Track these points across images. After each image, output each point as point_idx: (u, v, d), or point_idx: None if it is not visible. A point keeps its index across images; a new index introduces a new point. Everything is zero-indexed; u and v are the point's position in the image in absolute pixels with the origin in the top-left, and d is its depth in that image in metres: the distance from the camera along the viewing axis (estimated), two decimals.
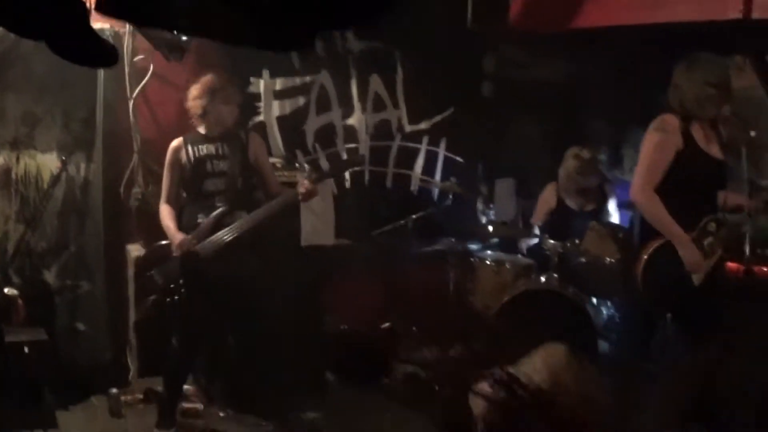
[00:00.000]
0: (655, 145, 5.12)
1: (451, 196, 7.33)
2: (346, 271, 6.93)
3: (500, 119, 7.96)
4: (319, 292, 6.62)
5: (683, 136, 5.09)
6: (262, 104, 6.87)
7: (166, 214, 5.61)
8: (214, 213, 5.51)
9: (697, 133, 5.14)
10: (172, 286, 5.45)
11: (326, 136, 7.34)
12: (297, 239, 6.49)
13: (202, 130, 5.67)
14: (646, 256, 5.05)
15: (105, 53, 2.19)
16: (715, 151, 5.19)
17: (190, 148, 5.63)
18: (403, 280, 6.98)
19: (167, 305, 5.48)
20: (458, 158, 7.85)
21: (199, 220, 5.55)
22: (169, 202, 5.65)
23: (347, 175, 7.33)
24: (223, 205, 5.56)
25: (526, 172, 8.09)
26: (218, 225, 5.53)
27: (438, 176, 7.80)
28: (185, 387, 5.88)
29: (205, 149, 5.63)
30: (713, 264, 5.11)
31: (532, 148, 8.10)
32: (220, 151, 5.65)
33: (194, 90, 5.59)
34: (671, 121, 5.12)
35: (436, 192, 7.76)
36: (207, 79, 5.58)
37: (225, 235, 5.47)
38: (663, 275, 4.97)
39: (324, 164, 7.21)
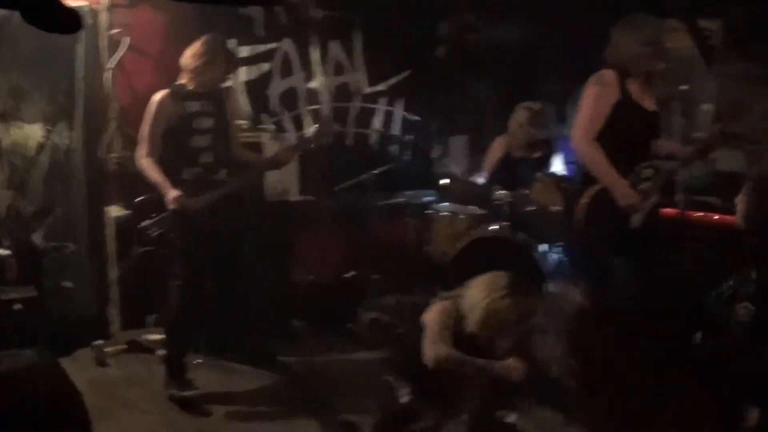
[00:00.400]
0: (594, 97, 5.30)
1: (408, 152, 7.58)
2: (311, 224, 7.18)
3: (454, 80, 8.12)
4: (286, 245, 6.85)
5: (620, 89, 5.28)
6: None
7: (152, 168, 5.55)
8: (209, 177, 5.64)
9: (633, 86, 5.32)
10: (166, 238, 5.55)
11: (290, 99, 7.55)
12: (261, 194, 6.69)
13: (189, 85, 5.63)
14: (586, 200, 5.21)
15: (71, 19, 2.26)
16: (648, 103, 5.40)
17: (177, 102, 5.58)
18: (365, 232, 7.19)
19: (162, 257, 5.65)
20: (415, 117, 8.00)
21: (185, 176, 5.56)
22: (151, 155, 5.57)
23: (311, 132, 7.12)
24: (209, 160, 5.60)
25: (479, 130, 8.28)
26: (205, 181, 5.59)
27: (395, 131, 8.07)
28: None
29: (191, 106, 5.60)
30: (650, 207, 5.34)
31: (484, 106, 8.30)
32: (206, 108, 5.63)
33: (194, 47, 5.59)
34: (609, 75, 5.30)
35: (394, 149, 7.96)
36: (207, 38, 5.61)
37: (214, 195, 5.54)
38: (602, 217, 5.10)
39: (288, 126, 7.47)
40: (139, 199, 5.70)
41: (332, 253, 7.23)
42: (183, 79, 5.61)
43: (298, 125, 7.55)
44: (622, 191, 5.23)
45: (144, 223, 5.59)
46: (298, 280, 6.97)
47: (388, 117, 7.91)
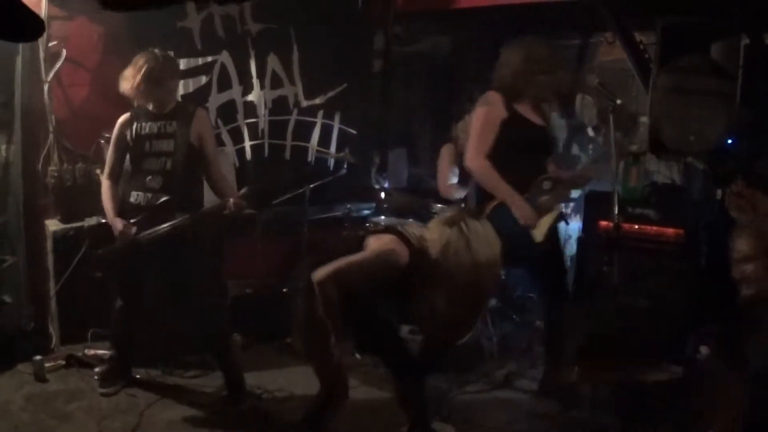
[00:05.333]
0: (481, 117, 5.45)
1: (345, 166, 7.59)
2: (248, 238, 7.11)
3: (390, 93, 8.18)
4: (223, 259, 6.68)
5: (506, 107, 5.44)
6: None
7: (105, 193, 5.60)
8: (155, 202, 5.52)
9: (520, 105, 5.48)
10: (116, 264, 5.59)
11: (228, 112, 7.43)
12: (200, 206, 6.29)
13: (149, 107, 5.56)
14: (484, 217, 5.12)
15: (33, 24, 2.24)
16: (537, 119, 5.54)
17: (135, 124, 5.53)
18: (302, 246, 7.07)
19: (111, 277, 5.70)
20: (352, 130, 8.05)
21: (132, 199, 5.54)
22: (110, 177, 5.60)
23: (247, 147, 7.49)
24: (156, 185, 5.48)
25: (415, 142, 8.35)
26: (154, 209, 5.51)
27: (333, 147, 8.00)
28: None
29: (148, 127, 5.51)
30: (552, 220, 5.44)
31: (419, 118, 8.35)
32: (164, 130, 5.51)
33: (127, 72, 5.49)
34: (493, 95, 5.49)
35: (331, 162, 7.97)
36: (139, 60, 5.46)
37: (159, 231, 5.44)
38: (501, 232, 4.79)
39: (226, 137, 7.36)
40: (102, 222, 5.80)
41: (270, 267, 7.16)
42: (137, 100, 5.56)
43: (236, 138, 7.49)
44: (518, 208, 5.35)
45: (101, 251, 5.62)
46: (236, 294, 6.91)
47: (326, 130, 7.89)
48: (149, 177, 5.48)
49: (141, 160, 5.52)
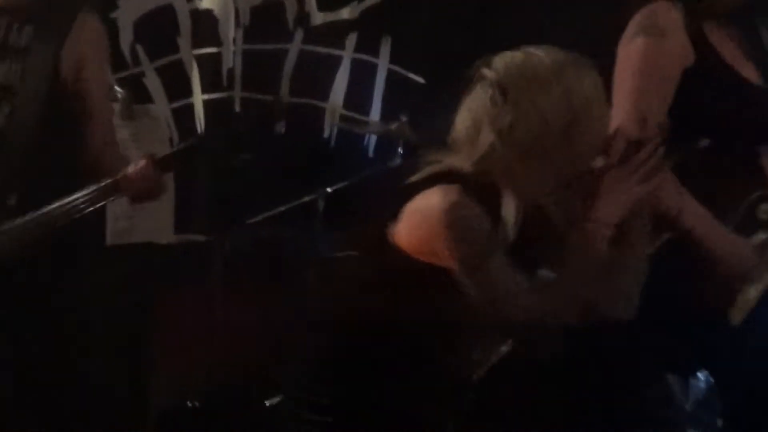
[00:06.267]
0: (647, 57, 3.90)
1: (400, 150, 5.10)
2: (194, 288, 5.15)
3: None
4: (143, 330, 5.11)
5: (690, 37, 4.02)
6: None
7: None
8: None
9: (715, 30, 4.12)
10: None
11: (158, 30, 5.11)
12: (100, 234, 5.02)
13: None
14: None
15: None
16: (747, 66, 3.96)
17: None
18: (302, 302, 5.00)
19: None
20: (416, 77, 5.38)
21: None
22: None
23: (198, 103, 5.20)
24: None
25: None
26: None
27: (376, 111, 5.44)
28: None
29: None
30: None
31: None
32: (6, 41, 3.99)
33: None
34: (667, 9, 4.02)
35: (370, 141, 5.49)
36: None
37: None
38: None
39: (154, 83, 5.18)
40: None
41: (235, 344, 5.04)
42: None
43: (176, 87, 5.15)
44: (733, 245, 4.33)
45: None
46: (160, 405, 5.10)
47: (361, 73, 5.43)
48: None
49: None
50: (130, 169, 3.76)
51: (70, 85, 3.99)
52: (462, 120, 2.95)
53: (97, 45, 4.09)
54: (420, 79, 5.39)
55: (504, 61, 2.94)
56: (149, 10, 5.03)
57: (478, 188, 2.92)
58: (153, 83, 5.10)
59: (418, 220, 2.91)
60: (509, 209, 3.00)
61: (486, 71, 2.95)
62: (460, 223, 2.86)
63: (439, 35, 5.49)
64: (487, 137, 2.87)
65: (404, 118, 5.03)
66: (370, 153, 5.50)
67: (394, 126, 5.06)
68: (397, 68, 5.39)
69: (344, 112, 5.41)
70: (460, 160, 2.94)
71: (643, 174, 2.98)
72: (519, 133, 2.85)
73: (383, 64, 5.40)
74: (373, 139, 5.49)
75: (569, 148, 2.89)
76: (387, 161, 5.12)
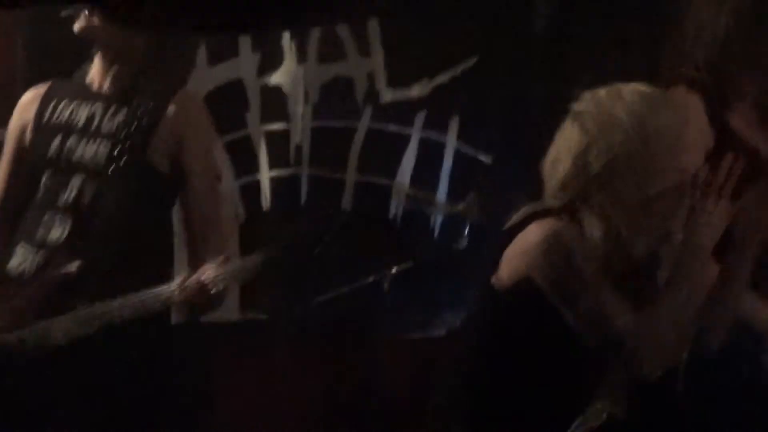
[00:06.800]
0: None
1: (467, 230, 4.98)
2: (258, 368, 5.11)
3: (556, 76, 5.36)
4: (207, 409, 4.90)
5: (710, 119, 4.11)
6: None
7: None
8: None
9: (735, 113, 4.23)
10: None
11: (226, 106, 4.97)
12: (165, 313, 4.41)
13: (85, 77, 4.04)
14: None
15: None
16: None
17: (49, 105, 3.95)
18: (372, 387, 5.08)
19: None
20: (483, 156, 5.24)
21: (14, 263, 3.96)
22: None
23: (265, 180, 5.17)
24: (58, 234, 3.87)
25: None
26: (47, 285, 3.93)
27: (443, 189, 5.32)
28: None
29: (70, 111, 3.94)
30: None
31: None
32: (101, 120, 4.00)
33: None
34: (689, 99, 4.27)
35: (437, 221, 5.36)
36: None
37: (59, 330, 3.77)
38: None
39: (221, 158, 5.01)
40: None
41: (298, 423, 5.06)
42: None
43: (243, 163, 5.21)
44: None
45: None
46: None
47: (429, 151, 5.38)
48: (46, 216, 3.85)
49: (38, 177, 3.94)
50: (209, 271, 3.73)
51: (167, 163, 3.96)
52: (549, 155, 3.06)
53: (197, 119, 4.11)
54: (486, 159, 5.31)
55: (590, 94, 3.05)
56: (219, 84, 5.05)
57: (569, 219, 3.03)
58: (220, 158, 5.01)
59: (518, 256, 2.98)
60: (596, 236, 3.02)
61: (573, 105, 3.08)
62: (556, 249, 2.95)
63: (508, 113, 5.40)
64: (564, 166, 2.99)
65: (473, 197, 4.97)
66: (437, 232, 5.39)
67: (461, 206, 5.00)
68: (464, 146, 5.29)
69: (411, 191, 5.37)
70: (548, 197, 3.05)
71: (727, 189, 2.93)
72: (591, 159, 2.93)
73: (451, 142, 5.31)
74: (439, 217, 5.39)
75: (643, 175, 2.96)
76: (453, 242, 5.09)
